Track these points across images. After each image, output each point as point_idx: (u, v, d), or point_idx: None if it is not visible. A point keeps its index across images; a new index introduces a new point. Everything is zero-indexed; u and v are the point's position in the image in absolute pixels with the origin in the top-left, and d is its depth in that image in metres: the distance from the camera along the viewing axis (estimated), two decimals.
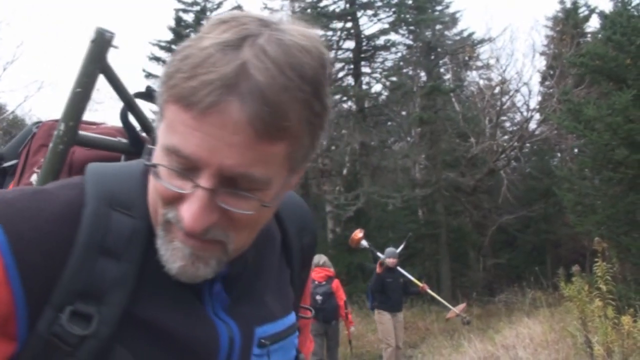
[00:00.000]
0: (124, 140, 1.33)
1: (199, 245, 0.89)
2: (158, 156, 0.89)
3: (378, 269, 10.49)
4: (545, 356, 7.81)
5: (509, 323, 12.51)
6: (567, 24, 24.05)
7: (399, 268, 10.74)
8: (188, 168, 0.84)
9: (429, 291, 11.33)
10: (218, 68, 0.80)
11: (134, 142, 1.31)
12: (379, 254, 10.89)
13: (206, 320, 0.99)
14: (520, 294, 15.95)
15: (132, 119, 1.35)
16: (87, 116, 1.33)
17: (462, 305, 12.77)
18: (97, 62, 1.22)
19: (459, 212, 24.49)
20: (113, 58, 1.25)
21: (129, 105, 1.28)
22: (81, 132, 1.28)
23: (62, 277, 0.87)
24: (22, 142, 1.45)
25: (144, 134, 1.38)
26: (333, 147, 23.61)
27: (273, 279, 1.13)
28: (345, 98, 23.75)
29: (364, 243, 11.23)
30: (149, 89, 1.29)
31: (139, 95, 1.32)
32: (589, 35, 23.72)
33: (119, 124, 1.38)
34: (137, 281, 0.92)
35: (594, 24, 24.22)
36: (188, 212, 0.85)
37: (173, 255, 0.90)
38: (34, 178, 1.29)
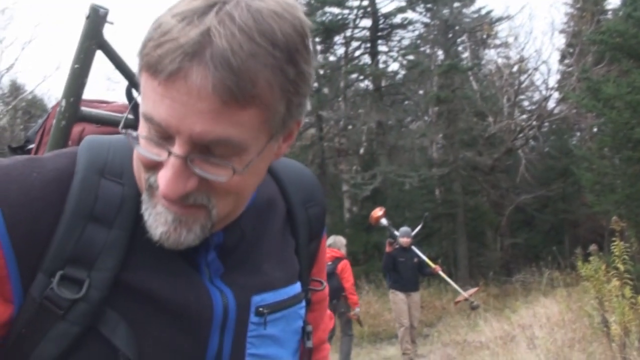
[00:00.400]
0: (130, 116, 1.34)
1: (181, 211, 0.90)
2: (140, 125, 0.91)
3: (387, 248, 10.42)
4: (561, 335, 7.80)
5: (525, 303, 12.50)
6: (587, 0, 23.68)
7: (414, 248, 10.61)
8: (163, 136, 0.86)
9: (442, 273, 11.16)
10: (182, 36, 0.80)
11: (139, 117, 1.32)
12: (396, 232, 10.75)
13: (200, 286, 1.00)
14: (538, 274, 15.89)
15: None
16: (105, 96, 1.34)
17: (473, 290, 12.52)
18: (93, 39, 1.24)
19: (476, 191, 24.36)
20: (124, 37, 1.25)
21: (130, 80, 1.29)
22: (84, 109, 1.30)
23: (51, 242, 0.90)
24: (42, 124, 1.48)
25: None
26: (350, 127, 23.55)
27: (275, 248, 1.13)
28: (362, 77, 23.65)
29: (384, 221, 10.96)
30: None
31: None
32: (610, 13, 23.36)
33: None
34: (128, 248, 0.94)
35: (614, 0, 23.84)
36: (163, 179, 0.86)
37: (156, 221, 0.91)
38: None
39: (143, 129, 0.89)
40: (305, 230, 1.21)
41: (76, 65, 1.24)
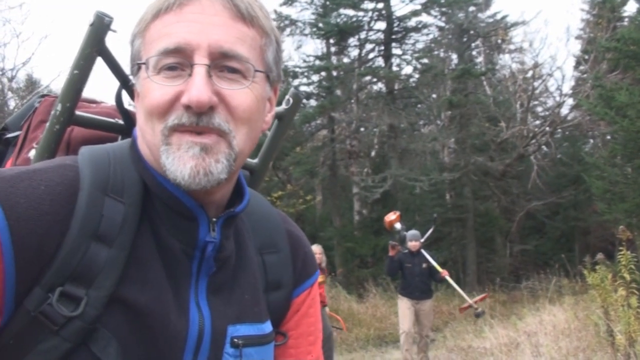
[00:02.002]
0: (121, 122, 1.35)
1: (205, 140, 0.96)
2: (151, 69, 0.97)
3: (390, 252, 9.94)
4: (566, 344, 7.75)
5: (532, 310, 12.43)
6: (604, 7, 23.46)
7: (423, 252, 9.99)
8: (181, 62, 0.95)
9: (449, 279, 10.40)
10: None
11: (128, 123, 1.33)
12: (411, 232, 10.17)
13: (183, 304, 1.01)
14: (546, 281, 15.80)
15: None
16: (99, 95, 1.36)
17: (479, 297, 11.81)
18: (95, 46, 1.24)
19: (487, 196, 24.26)
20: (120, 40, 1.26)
21: (126, 85, 1.29)
22: (78, 113, 1.30)
23: (55, 258, 0.91)
24: (26, 115, 1.47)
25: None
26: (362, 129, 23.53)
27: (252, 281, 1.14)
28: (375, 79, 23.61)
29: (398, 226, 10.39)
30: None
31: None
32: (626, 20, 23.18)
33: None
34: (125, 266, 0.96)
35: (631, 8, 23.65)
36: (192, 85, 0.94)
37: (181, 160, 0.95)
38: (32, 153, 1.31)
39: (153, 82, 0.97)
40: (262, 277, 1.17)
41: (75, 71, 1.24)
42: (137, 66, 1.02)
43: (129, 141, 1.10)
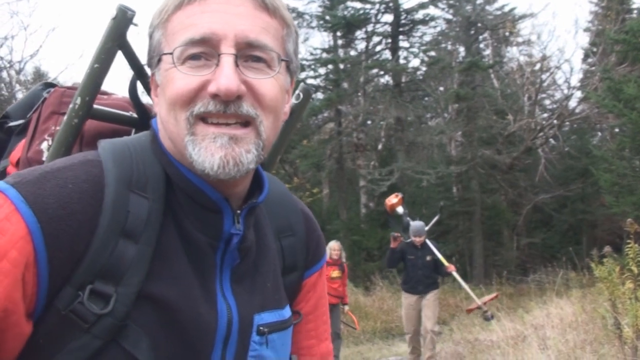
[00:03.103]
0: (135, 115, 1.35)
1: (234, 131, 0.97)
2: (169, 78, 0.99)
3: (392, 243, 9.25)
4: (573, 337, 7.73)
5: (540, 303, 12.41)
6: None
7: (428, 243, 9.27)
8: (207, 52, 0.96)
9: (455, 275, 9.74)
10: None
11: (142, 115, 1.33)
12: (411, 223, 9.40)
13: (211, 296, 1.02)
14: (553, 274, 15.76)
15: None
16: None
17: (489, 297, 10.83)
18: (116, 40, 1.23)
19: (494, 190, 24.20)
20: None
21: (142, 78, 1.29)
22: (95, 106, 1.29)
23: (85, 256, 0.91)
24: (30, 105, 1.46)
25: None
26: (369, 122, 23.49)
27: (272, 268, 1.15)
28: (382, 72, 23.56)
29: (400, 210, 9.63)
30: None
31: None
32: (635, 12, 23.03)
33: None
34: (151, 261, 0.96)
35: None
36: (221, 74, 0.95)
37: (209, 150, 0.96)
38: (44, 145, 1.30)
39: (178, 73, 0.97)
40: (280, 260, 1.19)
41: (96, 65, 1.23)
42: (157, 57, 1.02)
43: (147, 134, 1.10)
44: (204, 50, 0.96)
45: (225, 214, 1.03)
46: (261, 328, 1.08)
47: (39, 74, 24.10)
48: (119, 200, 0.95)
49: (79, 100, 1.24)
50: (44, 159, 1.27)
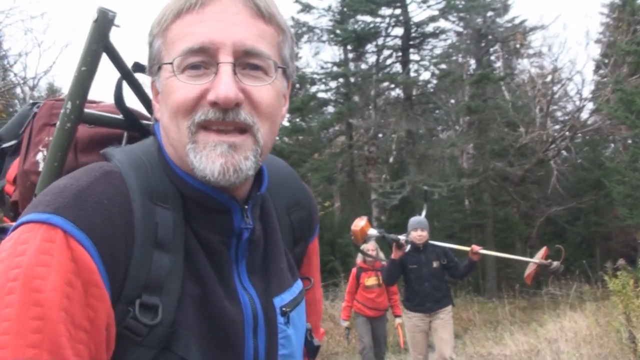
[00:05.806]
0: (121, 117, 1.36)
1: (233, 138, 0.99)
2: (170, 87, 1.00)
3: (394, 254, 7.22)
4: (587, 351, 7.65)
5: (554, 317, 12.30)
6: (624, 10, 23.25)
7: (433, 244, 7.50)
8: (205, 61, 0.98)
9: (482, 251, 7.49)
10: None
11: (128, 117, 1.34)
12: (400, 237, 7.34)
13: (232, 289, 1.06)
14: (567, 287, 15.63)
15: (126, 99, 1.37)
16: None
17: (540, 254, 7.54)
18: (100, 42, 1.24)
19: (506, 202, 24.09)
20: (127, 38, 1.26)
21: (129, 80, 1.30)
22: (86, 110, 1.29)
23: (129, 271, 0.93)
24: (21, 124, 1.47)
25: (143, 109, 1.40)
26: (380, 135, 23.48)
27: (280, 247, 1.19)
28: (392, 85, 23.55)
29: (373, 232, 7.27)
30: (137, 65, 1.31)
31: (137, 68, 1.33)
32: None
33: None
34: (182, 267, 1.00)
35: None
36: (220, 83, 0.96)
37: (210, 158, 0.98)
38: (39, 157, 1.32)
39: (178, 80, 0.99)
40: (289, 236, 1.25)
41: (83, 68, 1.24)
42: (158, 66, 1.04)
43: (152, 142, 1.12)
44: (203, 59, 0.98)
45: (233, 212, 1.06)
46: (284, 309, 1.12)
47: (52, 90, 24.30)
48: (148, 213, 0.98)
49: (69, 105, 1.24)
50: (40, 169, 1.28)
